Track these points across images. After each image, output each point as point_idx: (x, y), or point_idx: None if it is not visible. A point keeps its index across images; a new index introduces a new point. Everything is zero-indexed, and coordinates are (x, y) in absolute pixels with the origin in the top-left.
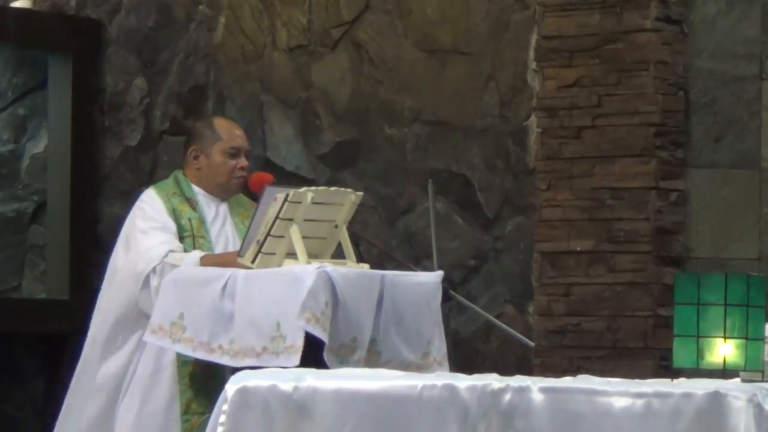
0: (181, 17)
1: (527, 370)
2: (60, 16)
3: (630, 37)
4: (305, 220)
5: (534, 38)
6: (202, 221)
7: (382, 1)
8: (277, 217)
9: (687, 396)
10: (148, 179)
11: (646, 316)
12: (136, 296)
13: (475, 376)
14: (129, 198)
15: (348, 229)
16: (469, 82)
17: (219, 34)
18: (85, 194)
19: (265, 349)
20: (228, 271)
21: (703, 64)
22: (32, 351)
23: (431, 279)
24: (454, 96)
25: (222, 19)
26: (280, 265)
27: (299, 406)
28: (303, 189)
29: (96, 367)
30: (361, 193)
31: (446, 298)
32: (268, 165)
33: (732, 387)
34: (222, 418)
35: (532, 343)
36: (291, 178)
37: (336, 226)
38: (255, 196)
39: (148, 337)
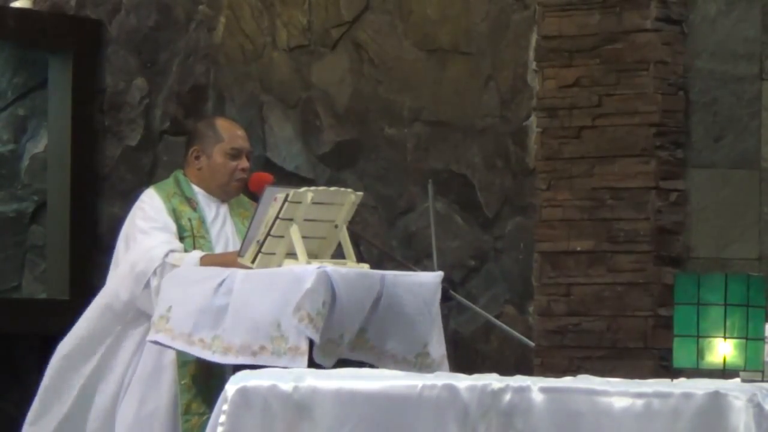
0: (181, 17)
1: (527, 370)
2: (60, 16)
3: (630, 37)
4: (305, 220)
5: (534, 38)
6: (202, 221)
7: (382, 1)
8: (277, 217)
9: (687, 396)
10: (148, 179)
11: (646, 316)
12: (136, 296)
13: (475, 376)
14: (129, 198)
15: (348, 229)
16: (469, 82)
17: (219, 34)
18: (85, 194)
19: (263, 348)
20: (227, 271)
21: (703, 64)
22: (32, 351)
23: (431, 279)
24: (454, 96)
25: (222, 19)
26: (280, 265)
27: (299, 406)
28: (303, 189)
29: (82, 362)
30: (361, 193)
31: (446, 298)
32: (268, 165)
33: (732, 387)
34: (222, 418)
35: (532, 343)
36: (291, 178)
37: (336, 226)
38: (255, 196)
39: (155, 338)
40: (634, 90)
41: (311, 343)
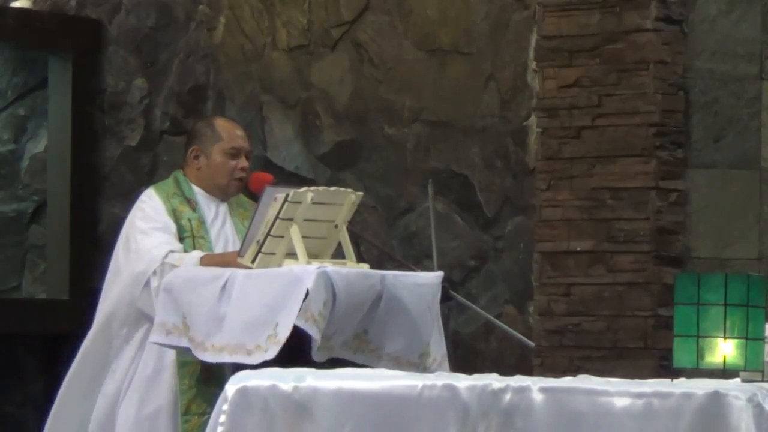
0: (181, 17)
1: (527, 370)
2: (60, 16)
3: (630, 37)
4: (305, 220)
5: (534, 38)
6: (202, 221)
7: (382, 1)
8: (277, 217)
9: (687, 396)
10: (148, 179)
11: (646, 316)
12: (136, 297)
13: (475, 376)
14: (129, 198)
15: (348, 229)
16: (469, 82)
17: (219, 34)
18: (85, 194)
19: (258, 347)
20: (228, 271)
21: (703, 64)
22: (32, 351)
23: (431, 279)
24: (454, 96)
25: (222, 19)
26: (280, 265)
27: (299, 406)
28: (303, 189)
29: (94, 365)
30: (361, 193)
31: (446, 298)
32: (268, 165)
33: (732, 387)
34: (222, 418)
35: (532, 343)
36: (291, 178)
37: (336, 226)
38: (255, 196)
39: (162, 338)
40: (634, 90)
41: (310, 341)
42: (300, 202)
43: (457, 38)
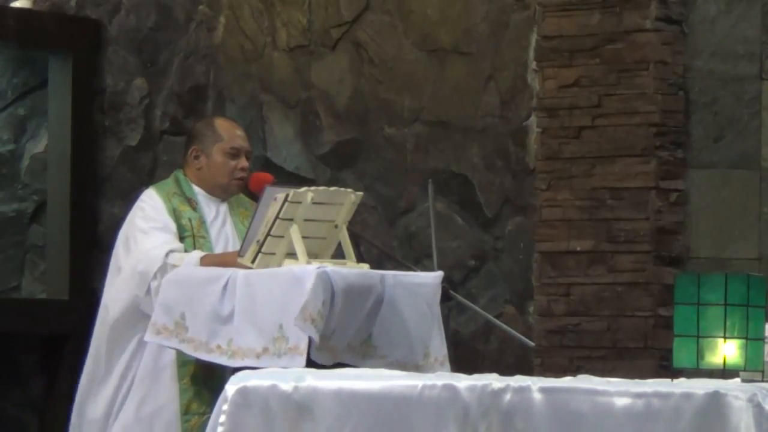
0: (181, 17)
1: (527, 370)
2: (60, 16)
3: (630, 37)
4: (305, 220)
5: (534, 38)
6: (202, 221)
7: (382, 1)
8: (277, 217)
9: (687, 396)
10: (148, 179)
11: (646, 316)
12: (138, 297)
13: (475, 376)
14: (129, 198)
15: (348, 229)
16: (469, 82)
17: (219, 34)
18: (85, 194)
19: (265, 350)
20: (228, 271)
21: (703, 64)
22: (32, 351)
23: (431, 279)
24: (454, 96)
25: (222, 19)
26: (280, 265)
27: (299, 406)
28: (303, 189)
29: (103, 367)
30: (361, 193)
31: (446, 298)
32: (268, 165)
33: (732, 387)
34: (222, 418)
35: (532, 343)
36: (291, 178)
37: (336, 226)
38: (255, 196)
39: (152, 338)
40: (634, 90)
41: (309, 342)
42: (300, 202)
43: (457, 38)
